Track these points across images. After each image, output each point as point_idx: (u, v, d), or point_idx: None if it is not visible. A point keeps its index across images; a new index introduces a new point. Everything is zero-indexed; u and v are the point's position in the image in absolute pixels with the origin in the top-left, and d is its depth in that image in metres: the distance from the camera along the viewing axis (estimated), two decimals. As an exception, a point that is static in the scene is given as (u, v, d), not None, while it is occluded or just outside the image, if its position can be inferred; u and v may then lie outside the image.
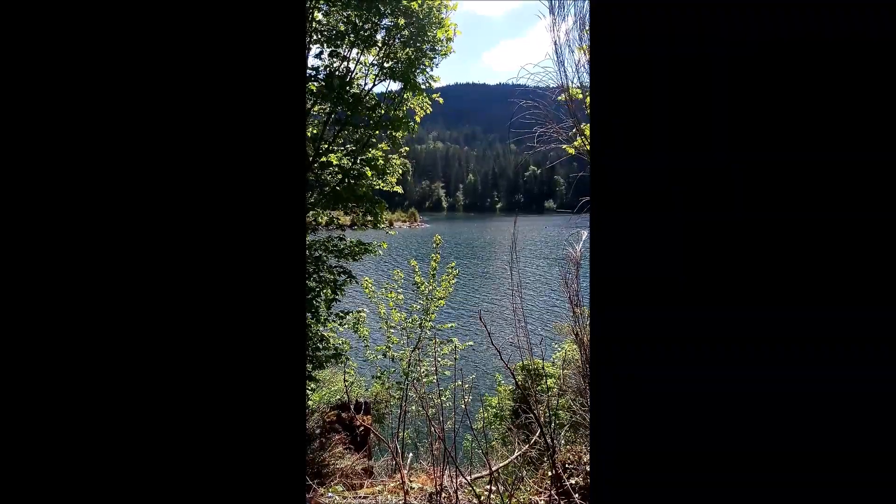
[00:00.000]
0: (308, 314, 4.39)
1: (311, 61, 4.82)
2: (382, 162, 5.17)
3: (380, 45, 4.85)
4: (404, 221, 54.26)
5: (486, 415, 5.72)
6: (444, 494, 2.75)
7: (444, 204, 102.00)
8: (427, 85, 5.11)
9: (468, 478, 2.90)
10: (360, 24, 4.67)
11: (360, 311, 5.15)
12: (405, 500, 2.87)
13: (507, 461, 3.40)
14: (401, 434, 4.74)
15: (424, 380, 5.18)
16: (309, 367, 4.57)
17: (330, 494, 2.88)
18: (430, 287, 5.61)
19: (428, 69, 5.02)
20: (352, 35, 4.70)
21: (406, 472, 3.41)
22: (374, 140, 5.14)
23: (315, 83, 4.70)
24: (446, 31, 4.87)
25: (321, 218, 5.14)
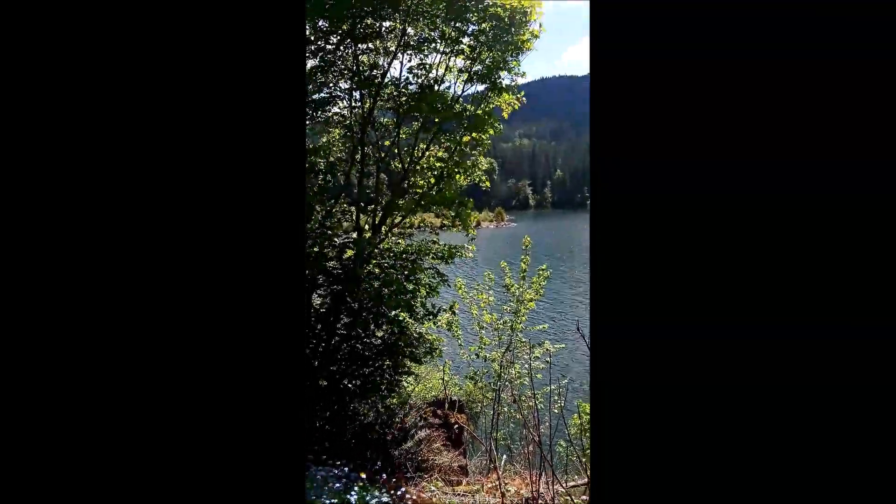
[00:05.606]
0: (406, 314, 4.62)
1: (404, 73, 5.08)
2: (471, 163, 5.28)
3: (466, 51, 4.95)
4: (491, 221, 54.26)
5: (580, 421, 5.53)
6: (539, 501, 2.73)
7: (532, 202, 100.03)
8: (513, 82, 5.11)
9: (565, 486, 2.84)
10: (449, 32, 4.80)
11: (452, 306, 5.28)
12: (502, 502, 2.89)
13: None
14: (494, 435, 4.77)
15: (517, 381, 5.16)
16: (407, 361, 4.81)
17: (432, 488, 3.01)
18: (521, 289, 5.56)
19: (514, 68, 5.03)
20: (440, 43, 4.86)
21: (500, 473, 3.43)
22: (463, 146, 5.26)
23: (406, 93, 4.94)
24: (532, 32, 4.83)
25: (413, 220, 5.39)
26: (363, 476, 2.64)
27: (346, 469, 2.68)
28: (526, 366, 5.16)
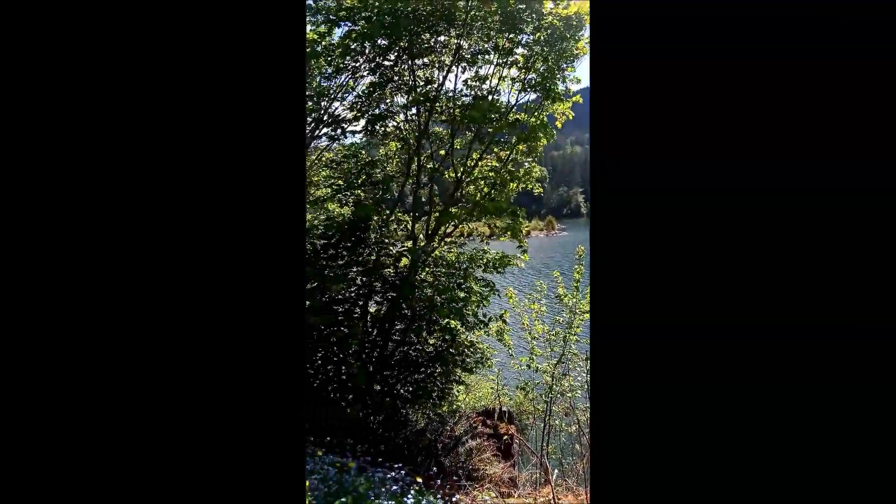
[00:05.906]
0: (457, 322, 4.68)
1: (459, 85, 5.18)
2: (524, 171, 5.30)
3: (520, 61, 4.97)
4: (541, 230, 53.36)
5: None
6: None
7: (584, 210, 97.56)
8: (567, 90, 5.08)
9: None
10: (503, 43, 4.86)
11: (503, 315, 5.29)
12: (556, 516, 2.84)
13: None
14: (545, 448, 4.69)
15: (569, 394, 5.04)
16: (458, 370, 4.86)
17: (485, 498, 3.02)
18: (574, 299, 5.44)
19: (568, 74, 5.00)
20: (493, 55, 4.93)
21: (553, 488, 3.37)
22: (517, 155, 5.28)
23: (460, 105, 5.04)
24: (588, 39, 4.78)
25: (464, 229, 5.46)
26: (419, 480, 2.70)
27: (403, 472, 2.76)
28: (578, 378, 5.03)
